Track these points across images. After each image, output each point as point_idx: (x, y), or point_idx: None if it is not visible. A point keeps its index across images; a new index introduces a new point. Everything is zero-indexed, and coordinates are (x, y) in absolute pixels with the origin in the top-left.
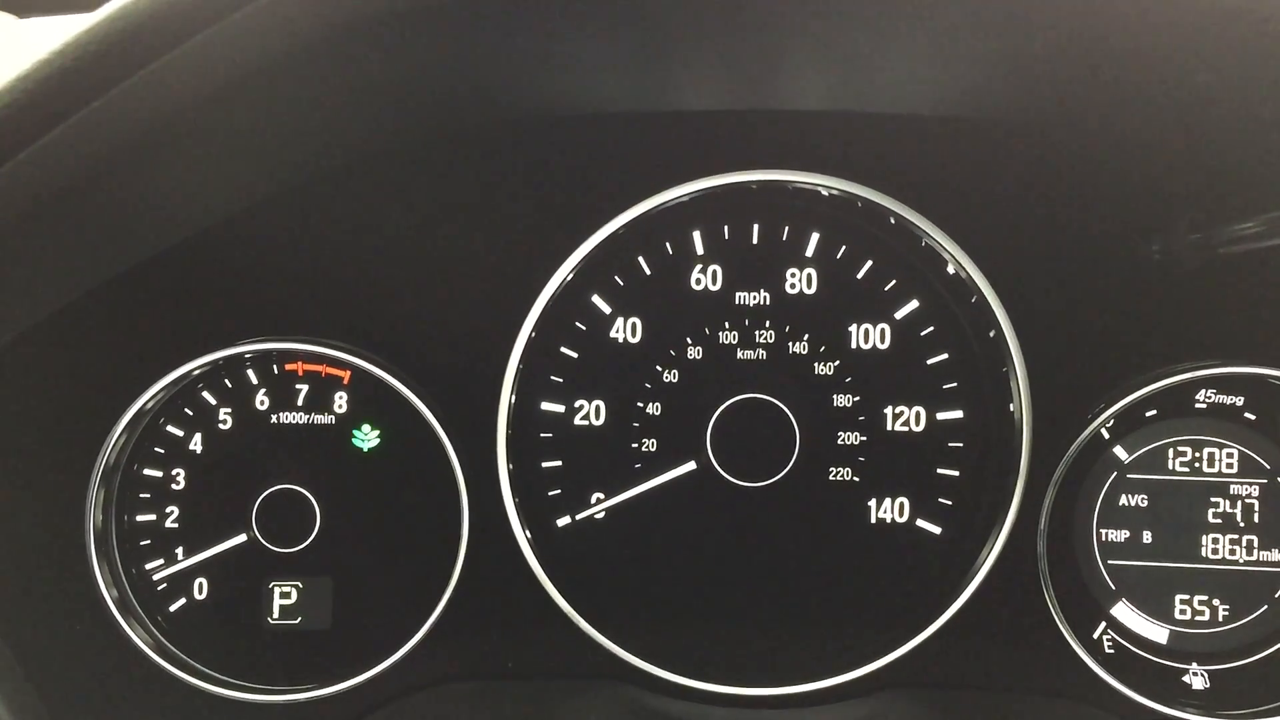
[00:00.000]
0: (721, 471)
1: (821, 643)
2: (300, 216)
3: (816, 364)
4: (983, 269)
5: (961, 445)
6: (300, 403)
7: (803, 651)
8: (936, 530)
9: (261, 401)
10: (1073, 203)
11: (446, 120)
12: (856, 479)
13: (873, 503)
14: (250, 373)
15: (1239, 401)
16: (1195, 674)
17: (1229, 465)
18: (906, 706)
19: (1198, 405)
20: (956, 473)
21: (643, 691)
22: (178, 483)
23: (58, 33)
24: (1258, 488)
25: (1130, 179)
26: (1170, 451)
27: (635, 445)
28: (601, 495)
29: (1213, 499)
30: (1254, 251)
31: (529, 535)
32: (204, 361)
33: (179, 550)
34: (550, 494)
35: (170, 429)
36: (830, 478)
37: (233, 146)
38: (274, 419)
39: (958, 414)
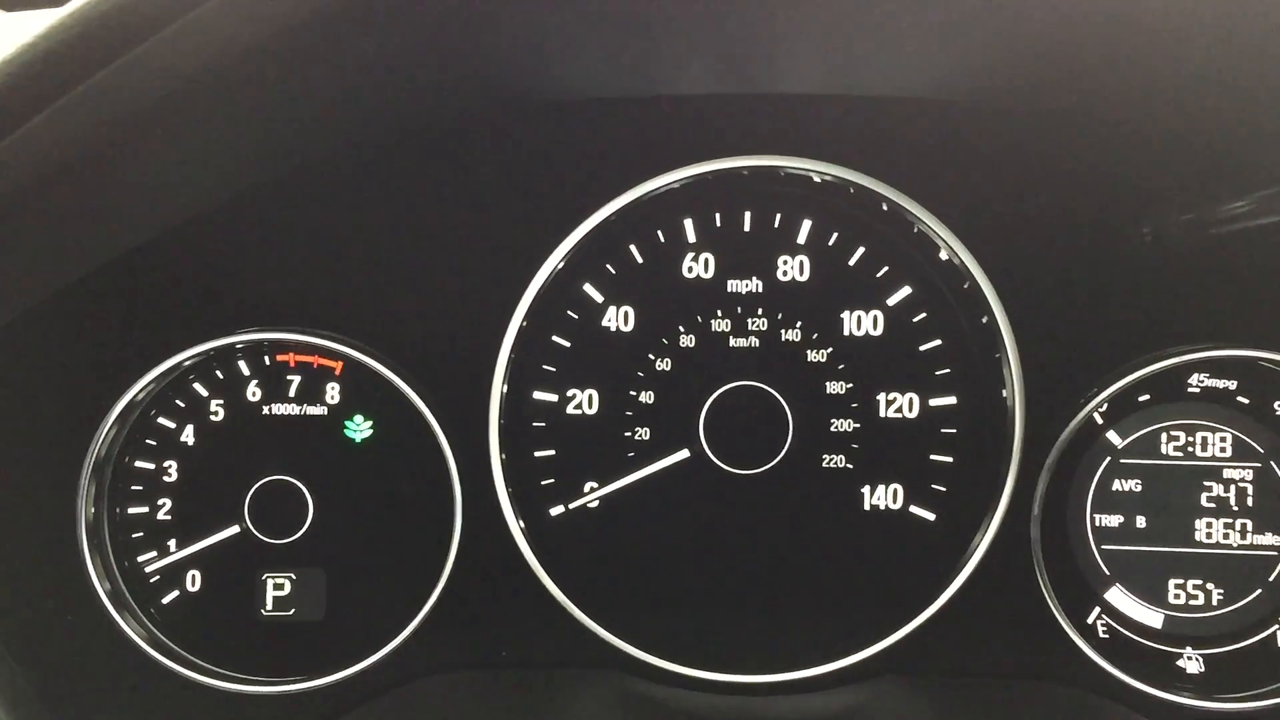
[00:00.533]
0: (715, 459)
1: (815, 629)
2: (291, 206)
3: (809, 351)
4: (975, 254)
5: (955, 431)
6: (292, 394)
7: (797, 638)
8: (930, 517)
9: (253, 393)
10: (1064, 186)
11: (435, 108)
12: (850, 466)
13: (866, 489)
14: (242, 364)
15: (1232, 385)
16: (1190, 658)
17: (1222, 449)
18: (901, 692)
19: (1190, 389)
20: (950, 459)
21: (637, 679)
22: (170, 475)
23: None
24: (1251, 471)
25: (1121, 161)
26: (1163, 436)
27: (628, 434)
28: (595, 484)
29: (1206, 483)
30: (1246, 231)
31: (522, 525)
32: (195, 352)
33: (171, 542)
34: (543, 483)
35: (161, 421)
36: (823, 465)
37: (222, 135)
38: (266, 410)
39: (951, 400)
